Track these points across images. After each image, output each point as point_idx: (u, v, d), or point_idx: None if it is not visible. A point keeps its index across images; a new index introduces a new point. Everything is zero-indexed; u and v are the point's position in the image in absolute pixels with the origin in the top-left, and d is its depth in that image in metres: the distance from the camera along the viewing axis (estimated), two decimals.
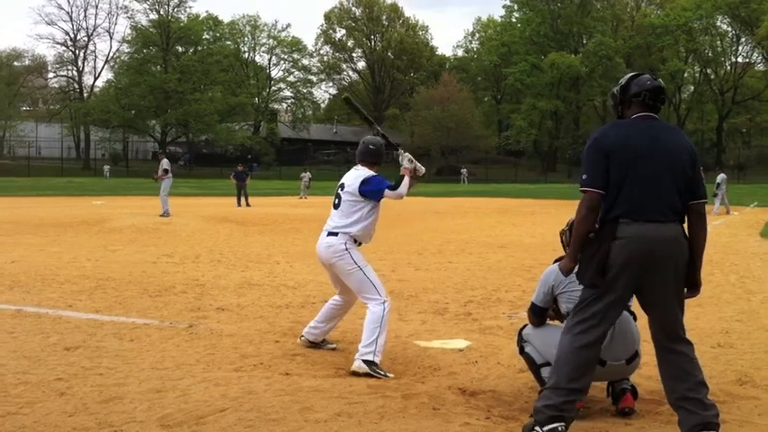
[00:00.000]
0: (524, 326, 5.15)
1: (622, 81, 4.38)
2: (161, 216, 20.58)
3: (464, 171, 69.49)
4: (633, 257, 3.99)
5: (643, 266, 4.02)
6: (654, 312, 4.19)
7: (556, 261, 5.01)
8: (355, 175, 5.99)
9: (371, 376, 5.43)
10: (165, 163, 22.68)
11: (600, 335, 4.16)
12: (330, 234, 5.96)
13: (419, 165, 6.06)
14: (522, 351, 5.06)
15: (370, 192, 5.88)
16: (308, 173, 39.03)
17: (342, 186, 6.04)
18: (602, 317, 4.13)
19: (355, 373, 5.49)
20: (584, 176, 4.14)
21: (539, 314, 5.00)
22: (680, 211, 4.12)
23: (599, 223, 4.10)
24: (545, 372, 4.72)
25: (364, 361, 5.54)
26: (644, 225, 4.00)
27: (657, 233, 4.01)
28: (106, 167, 66.34)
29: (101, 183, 53.53)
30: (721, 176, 26.80)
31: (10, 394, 4.88)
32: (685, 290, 4.19)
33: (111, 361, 5.77)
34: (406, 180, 5.96)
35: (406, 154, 6.06)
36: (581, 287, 4.26)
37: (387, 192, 5.88)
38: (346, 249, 5.87)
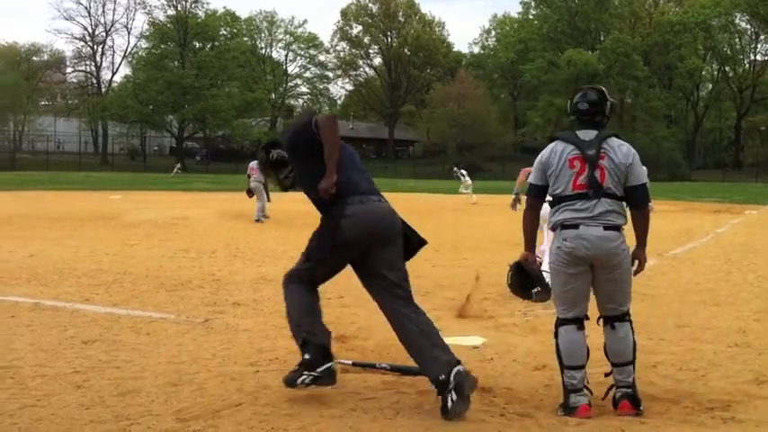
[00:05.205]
0: None
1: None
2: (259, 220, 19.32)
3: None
4: None
5: None
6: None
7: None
8: None
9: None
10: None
11: None
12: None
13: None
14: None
15: None
16: None
17: None
18: None
19: None
20: None
21: (535, 193, 4.95)
22: None
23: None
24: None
25: None
26: None
27: None
28: (177, 165, 60.30)
29: (118, 177, 53.54)
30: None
31: (27, 387, 4.92)
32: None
33: (128, 354, 5.80)
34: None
35: None
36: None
37: None
38: None
